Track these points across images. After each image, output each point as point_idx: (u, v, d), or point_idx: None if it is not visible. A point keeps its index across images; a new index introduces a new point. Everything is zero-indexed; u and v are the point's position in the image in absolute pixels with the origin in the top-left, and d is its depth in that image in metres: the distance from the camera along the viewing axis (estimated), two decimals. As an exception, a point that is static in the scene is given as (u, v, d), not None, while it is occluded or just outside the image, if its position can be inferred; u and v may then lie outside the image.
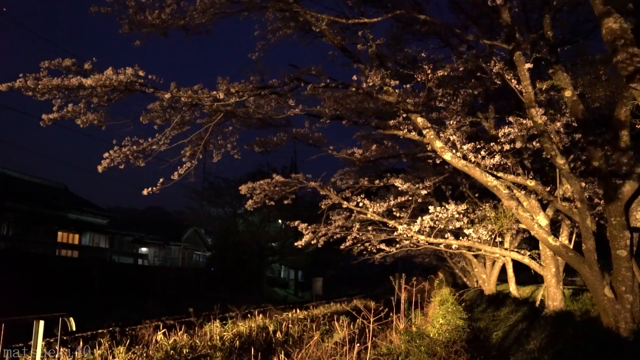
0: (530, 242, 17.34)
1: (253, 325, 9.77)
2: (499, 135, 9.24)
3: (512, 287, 16.64)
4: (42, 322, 5.12)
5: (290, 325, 9.82)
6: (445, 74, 8.65)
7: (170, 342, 7.51)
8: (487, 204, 15.38)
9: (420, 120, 8.82)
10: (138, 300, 20.49)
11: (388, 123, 9.63)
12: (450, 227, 15.33)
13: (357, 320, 10.25)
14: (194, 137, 8.60)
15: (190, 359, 6.66)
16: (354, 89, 8.67)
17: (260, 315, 11.56)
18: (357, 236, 11.80)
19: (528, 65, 7.89)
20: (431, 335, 7.81)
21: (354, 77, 8.64)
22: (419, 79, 8.88)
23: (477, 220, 15.94)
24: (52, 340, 8.55)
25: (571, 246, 9.59)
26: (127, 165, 7.75)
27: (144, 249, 39.11)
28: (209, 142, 8.78)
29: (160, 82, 7.40)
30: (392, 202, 11.21)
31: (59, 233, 28.10)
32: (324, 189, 11.10)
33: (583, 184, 8.14)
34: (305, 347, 7.46)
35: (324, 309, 14.81)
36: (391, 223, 11.23)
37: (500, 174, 8.77)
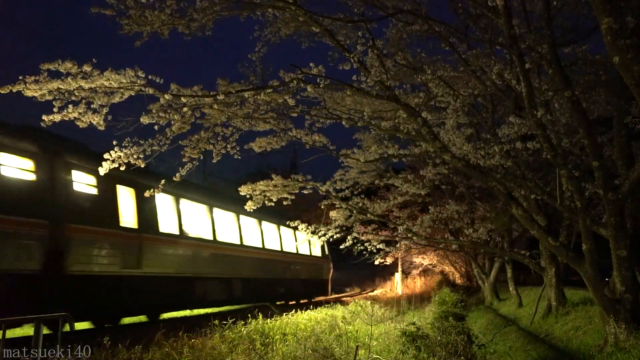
0: (530, 242, 17.36)
1: (253, 326, 9.76)
2: (499, 135, 9.25)
3: (512, 288, 16.65)
4: (42, 322, 5.12)
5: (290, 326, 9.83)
6: (445, 74, 8.66)
7: (170, 342, 7.52)
8: (486, 204, 15.42)
9: (419, 120, 8.82)
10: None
11: (387, 123, 9.63)
12: (450, 227, 15.37)
13: (357, 321, 10.26)
14: (194, 138, 8.59)
15: (190, 360, 6.67)
16: (354, 89, 8.66)
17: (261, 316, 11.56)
18: (357, 236, 11.79)
19: (527, 66, 7.87)
20: (431, 336, 7.83)
21: (354, 77, 8.64)
22: (419, 79, 8.89)
23: (476, 220, 15.97)
24: (51, 341, 8.54)
25: (571, 246, 9.60)
26: (128, 166, 7.75)
27: (144, 249, 39.07)
28: (209, 143, 8.77)
29: (160, 82, 7.39)
30: (392, 202, 11.22)
31: (59, 233, 28.10)
32: (323, 189, 11.10)
33: (583, 184, 8.15)
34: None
35: (324, 309, 14.81)
36: (391, 223, 11.24)
37: (498, 176, 8.77)
